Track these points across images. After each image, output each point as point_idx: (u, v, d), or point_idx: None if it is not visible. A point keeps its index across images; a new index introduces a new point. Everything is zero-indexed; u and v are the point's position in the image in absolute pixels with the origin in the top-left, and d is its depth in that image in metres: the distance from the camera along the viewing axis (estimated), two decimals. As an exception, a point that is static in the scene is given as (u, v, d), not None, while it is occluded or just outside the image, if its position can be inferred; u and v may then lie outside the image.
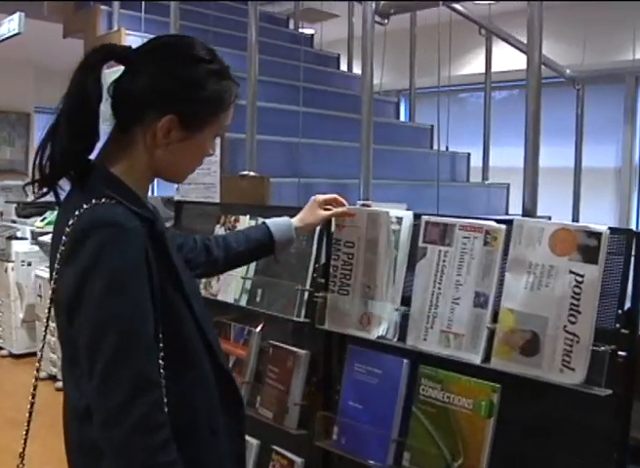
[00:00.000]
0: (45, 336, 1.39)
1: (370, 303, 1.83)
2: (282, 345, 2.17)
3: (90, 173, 1.31)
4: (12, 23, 5.11)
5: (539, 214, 2.92)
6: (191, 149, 1.36)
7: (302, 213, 1.88)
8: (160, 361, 1.26)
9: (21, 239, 5.68)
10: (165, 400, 1.23)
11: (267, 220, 1.86)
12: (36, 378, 1.36)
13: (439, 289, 1.70)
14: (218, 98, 1.34)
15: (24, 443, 1.35)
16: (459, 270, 1.67)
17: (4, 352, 5.70)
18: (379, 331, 1.81)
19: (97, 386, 1.17)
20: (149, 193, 1.49)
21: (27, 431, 1.35)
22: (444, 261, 1.70)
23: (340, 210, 1.90)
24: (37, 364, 1.38)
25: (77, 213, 1.24)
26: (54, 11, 4.32)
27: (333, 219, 1.94)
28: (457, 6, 3.79)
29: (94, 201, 1.24)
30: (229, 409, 1.43)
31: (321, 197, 1.90)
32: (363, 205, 1.93)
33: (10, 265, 5.73)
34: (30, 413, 1.34)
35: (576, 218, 3.96)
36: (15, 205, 6.09)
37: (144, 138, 1.31)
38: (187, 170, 1.43)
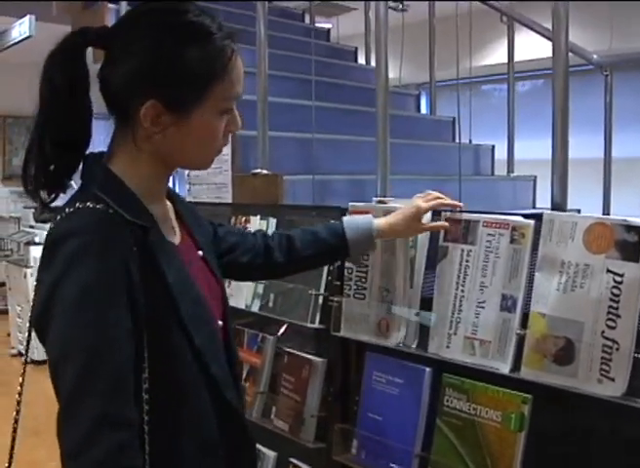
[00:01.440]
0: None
1: (388, 308, 1.69)
2: (297, 353, 2.04)
3: (91, 171, 1.20)
4: (22, 27, 5.05)
5: (569, 207, 2.77)
6: (195, 131, 1.16)
7: (395, 217, 1.59)
8: (144, 394, 1.09)
9: (39, 244, 5.62)
10: (146, 447, 1.08)
11: (346, 218, 1.61)
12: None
13: (462, 291, 1.56)
14: (203, 68, 1.14)
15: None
16: (483, 271, 1.53)
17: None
18: (398, 337, 1.68)
19: (61, 414, 1.02)
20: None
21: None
22: (467, 261, 1.56)
23: (439, 224, 1.62)
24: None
25: (58, 218, 1.12)
26: (62, 11, 4.23)
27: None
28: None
29: (77, 204, 1.11)
30: (235, 459, 1.25)
31: (425, 205, 1.59)
32: (379, 202, 1.79)
33: (29, 271, 5.70)
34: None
35: (606, 212, 3.79)
36: (32, 210, 6.05)
37: (136, 130, 1.16)
38: (203, 154, 1.23)
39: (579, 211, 3.33)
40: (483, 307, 1.52)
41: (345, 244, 1.55)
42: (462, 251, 1.57)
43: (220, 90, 1.15)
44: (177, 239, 1.28)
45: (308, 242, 1.57)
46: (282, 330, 2.14)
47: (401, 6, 2.68)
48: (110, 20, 3.88)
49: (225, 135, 1.21)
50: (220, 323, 1.32)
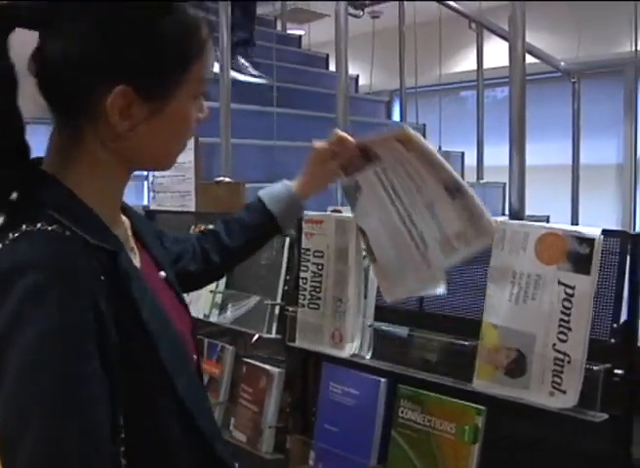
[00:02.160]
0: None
1: (341, 318, 1.66)
2: (255, 363, 2.01)
3: (35, 184, 0.93)
4: None
5: (538, 213, 2.75)
6: (171, 122, 0.97)
7: (305, 169, 1.52)
8: (122, 459, 0.89)
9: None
10: None
11: (262, 192, 1.49)
12: None
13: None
14: (183, 43, 0.96)
15: None
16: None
17: None
18: (351, 348, 1.65)
19: None
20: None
21: None
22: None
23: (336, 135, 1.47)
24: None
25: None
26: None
27: (303, 226, 1.77)
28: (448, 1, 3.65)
29: (24, 227, 0.87)
30: None
31: (320, 143, 1.48)
32: (333, 211, 1.77)
33: None
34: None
35: (575, 219, 3.80)
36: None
37: (96, 128, 0.94)
38: (174, 150, 1.04)
39: (548, 217, 3.35)
40: (437, 318, 1.50)
41: (272, 218, 1.46)
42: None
43: (198, 69, 0.98)
44: (137, 261, 1.06)
45: (235, 232, 1.45)
46: (255, 338, 2.08)
47: (362, 13, 2.65)
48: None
49: (196, 121, 1.04)
50: (195, 357, 1.13)
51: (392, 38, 4.58)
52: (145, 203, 3.05)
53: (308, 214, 1.75)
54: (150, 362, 0.93)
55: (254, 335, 1.97)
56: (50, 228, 0.87)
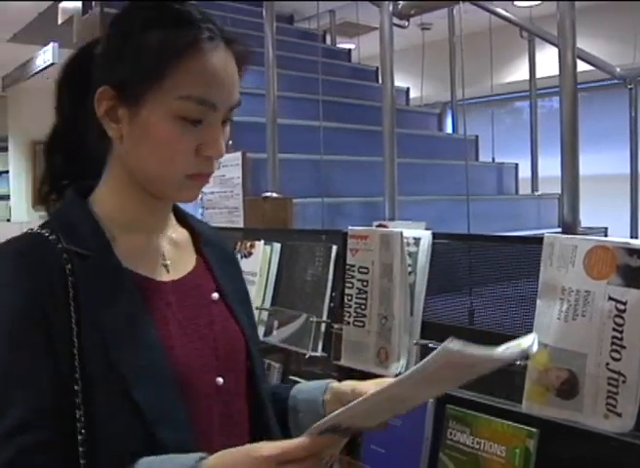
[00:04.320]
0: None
1: (386, 336, 1.62)
2: (301, 381, 1.97)
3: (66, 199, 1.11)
4: (47, 54, 5.12)
5: (596, 225, 2.67)
6: (147, 133, 1.00)
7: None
8: (80, 460, 0.91)
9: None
10: None
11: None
12: None
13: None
14: (159, 48, 0.98)
15: None
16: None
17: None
18: (398, 366, 1.61)
19: None
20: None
21: None
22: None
23: None
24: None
25: None
26: (83, 38, 4.26)
27: (348, 242, 1.74)
28: (497, 9, 3.59)
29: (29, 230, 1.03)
30: None
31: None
32: (379, 225, 1.73)
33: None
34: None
35: (634, 231, 3.67)
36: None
37: (106, 142, 1.06)
38: (160, 171, 1.03)
39: (606, 229, 3.25)
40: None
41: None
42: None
43: (173, 82, 0.98)
44: (166, 277, 1.11)
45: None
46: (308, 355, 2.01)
47: (407, 23, 2.61)
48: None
49: (199, 156, 1.01)
50: (220, 380, 1.09)
51: (443, 50, 4.54)
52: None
53: (353, 229, 1.72)
54: (102, 362, 0.95)
55: (301, 353, 1.94)
56: (41, 231, 1.01)
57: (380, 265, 1.63)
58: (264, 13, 2.72)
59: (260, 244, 2.14)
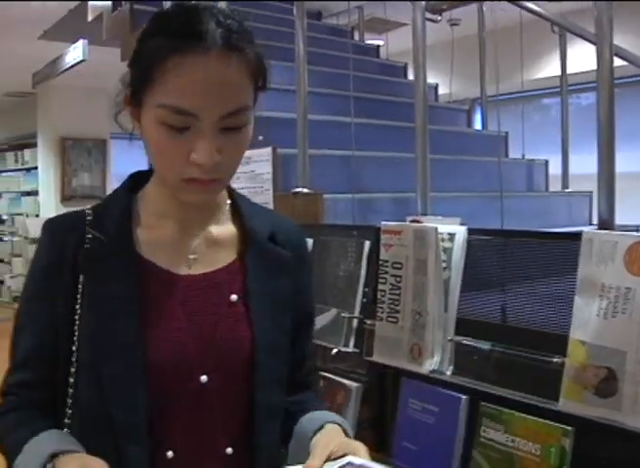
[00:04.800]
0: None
1: (420, 332, 1.61)
2: (332, 377, 1.97)
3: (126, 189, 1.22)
4: (76, 51, 5.16)
5: (630, 223, 2.63)
6: (146, 138, 1.07)
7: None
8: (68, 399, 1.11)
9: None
10: None
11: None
12: None
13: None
14: (143, 59, 1.03)
15: None
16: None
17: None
18: (431, 363, 1.60)
19: None
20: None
21: None
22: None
23: None
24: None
25: None
26: (112, 35, 4.28)
27: (381, 237, 1.73)
28: (528, 4, 3.55)
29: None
30: None
31: None
32: (413, 221, 1.72)
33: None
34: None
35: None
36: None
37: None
38: (162, 170, 1.09)
39: (638, 227, 3.20)
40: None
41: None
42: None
43: (157, 89, 1.01)
44: (185, 271, 1.15)
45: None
46: (335, 351, 2.02)
47: (439, 17, 2.59)
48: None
49: (189, 160, 1.03)
50: (205, 378, 1.11)
51: (471, 45, 4.50)
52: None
53: (387, 224, 1.71)
54: (81, 330, 1.09)
55: (332, 348, 1.93)
56: (86, 210, 1.15)
57: (415, 261, 1.62)
58: (295, 10, 2.72)
59: (290, 239, 2.13)
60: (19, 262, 9.31)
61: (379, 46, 5.49)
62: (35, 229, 8.15)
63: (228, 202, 1.21)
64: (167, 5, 3.73)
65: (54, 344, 1.10)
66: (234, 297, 1.15)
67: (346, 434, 1.18)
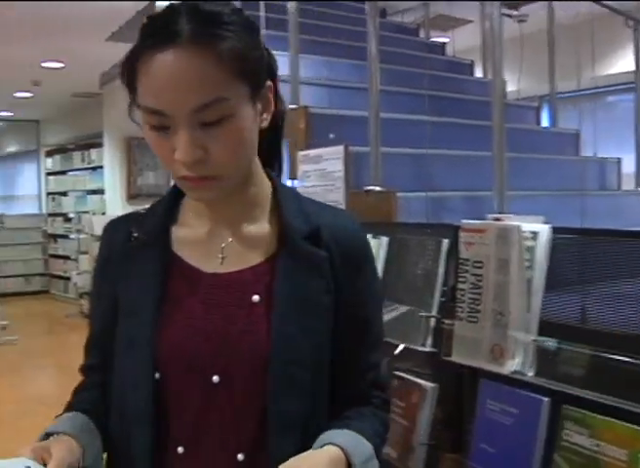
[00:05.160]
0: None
1: (502, 333, 1.59)
2: (407, 377, 1.96)
3: None
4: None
5: None
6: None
7: None
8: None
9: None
10: None
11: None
12: None
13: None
14: (125, 62, 1.05)
15: None
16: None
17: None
18: (513, 364, 1.57)
19: None
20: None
21: None
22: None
23: None
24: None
25: None
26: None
27: (460, 235, 1.71)
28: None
29: None
30: None
31: None
32: (495, 219, 1.69)
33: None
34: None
35: None
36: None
37: None
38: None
39: None
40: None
41: None
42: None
43: (136, 93, 1.04)
44: (212, 268, 1.15)
45: None
46: (399, 349, 2.03)
47: (515, 12, 2.55)
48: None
49: (174, 158, 1.04)
50: (216, 378, 1.11)
51: (539, 42, 4.42)
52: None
53: (467, 222, 1.69)
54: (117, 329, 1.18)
55: (396, 347, 1.92)
56: (141, 211, 1.23)
57: (496, 260, 1.60)
58: (367, 8, 2.71)
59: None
60: (85, 259, 9.55)
61: (444, 43, 5.44)
62: (101, 227, 8.32)
63: (271, 198, 1.19)
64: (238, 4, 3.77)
65: (109, 333, 1.18)
66: (256, 298, 1.12)
67: (348, 459, 1.06)
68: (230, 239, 1.17)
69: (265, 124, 1.12)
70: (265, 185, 1.20)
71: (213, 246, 1.16)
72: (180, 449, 1.10)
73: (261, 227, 1.17)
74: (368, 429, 1.14)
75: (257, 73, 1.07)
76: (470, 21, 5.74)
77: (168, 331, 1.11)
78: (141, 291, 1.15)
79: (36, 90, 9.34)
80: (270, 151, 1.24)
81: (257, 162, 1.18)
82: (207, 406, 1.10)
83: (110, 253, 1.20)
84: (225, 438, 1.10)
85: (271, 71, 1.15)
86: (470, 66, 5.07)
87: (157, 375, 1.11)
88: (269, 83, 1.12)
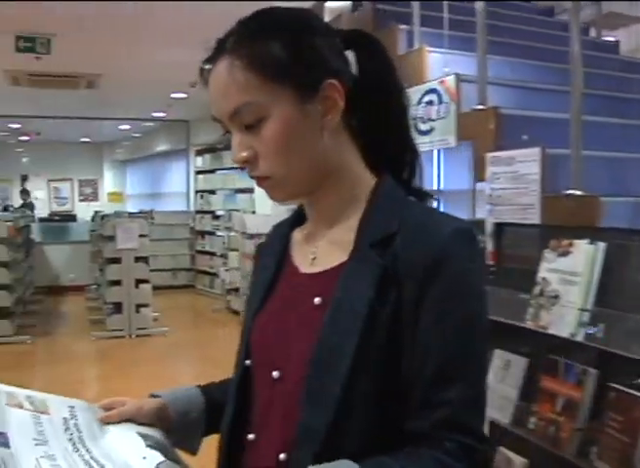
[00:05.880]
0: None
1: None
2: (628, 390, 1.87)
3: None
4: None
5: None
6: None
7: None
8: None
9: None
10: None
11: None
12: None
13: None
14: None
15: None
16: None
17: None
18: None
19: None
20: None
21: None
22: None
23: None
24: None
25: None
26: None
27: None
28: None
29: None
30: None
31: None
32: None
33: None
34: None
35: None
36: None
37: None
38: None
39: None
40: None
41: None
42: None
43: None
44: (305, 269, 1.18)
45: None
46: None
47: None
48: (402, 41, 3.92)
49: None
50: (276, 374, 1.13)
51: None
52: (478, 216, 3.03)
53: None
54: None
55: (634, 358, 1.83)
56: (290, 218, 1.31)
57: None
58: (571, 8, 2.64)
59: (580, 243, 2.05)
60: (234, 256, 9.78)
61: (618, 42, 5.22)
62: (254, 225, 8.53)
63: (368, 199, 1.14)
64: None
65: None
66: (317, 300, 1.11)
67: None
68: (322, 241, 1.19)
69: (333, 124, 1.10)
70: (366, 185, 1.16)
71: (308, 247, 1.21)
72: (252, 436, 1.17)
73: (350, 228, 1.13)
74: (392, 465, 0.98)
75: (302, 75, 1.07)
76: (641, 19, 5.49)
77: (256, 326, 1.21)
78: (258, 284, 1.26)
79: (191, 90, 9.65)
80: (393, 149, 1.20)
81: (351, 160, 1.16)
82: (269, 400, 1.15)
83: (256, 259, 1.35)
84: (274, 436, 1.12)
85: (332, 71, 1.09)
86: (647, 66, 4.84)
87: (247, 362, 1.21)
88: (331, 82, 1.08)
